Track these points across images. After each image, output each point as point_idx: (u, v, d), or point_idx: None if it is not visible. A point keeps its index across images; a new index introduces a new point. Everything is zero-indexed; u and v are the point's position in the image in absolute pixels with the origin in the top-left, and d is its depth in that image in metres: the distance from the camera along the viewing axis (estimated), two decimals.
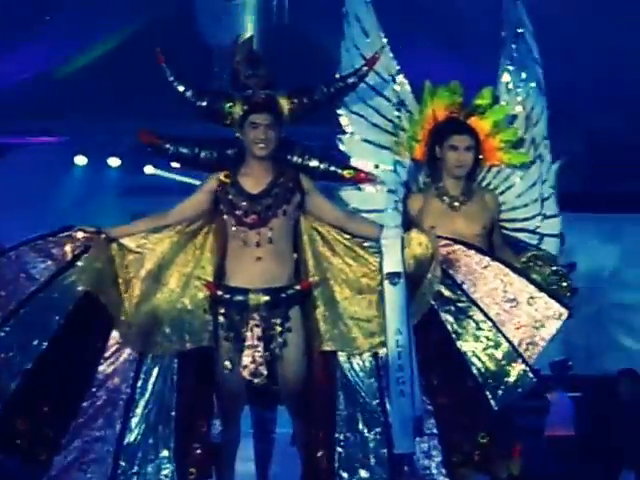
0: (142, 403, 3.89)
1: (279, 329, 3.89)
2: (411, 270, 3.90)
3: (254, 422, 5.95)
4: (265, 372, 3.84)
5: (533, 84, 4.59)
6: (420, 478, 3.89)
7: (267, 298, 3.87)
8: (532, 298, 3.89)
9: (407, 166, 4.46)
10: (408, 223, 4.30)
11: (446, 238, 3.98)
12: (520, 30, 4.63)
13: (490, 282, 3.91)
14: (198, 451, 3.84)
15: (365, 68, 4.17)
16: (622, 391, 7.95)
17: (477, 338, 3.88)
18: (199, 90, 4.04)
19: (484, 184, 4.52)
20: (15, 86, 8.96)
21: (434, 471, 3.88)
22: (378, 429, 3.89)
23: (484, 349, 3.87)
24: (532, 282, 3.94)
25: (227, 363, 3.88)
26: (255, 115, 3.90)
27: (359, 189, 4.34)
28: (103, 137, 10.02)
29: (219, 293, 3.91)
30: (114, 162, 10.21)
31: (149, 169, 9.99)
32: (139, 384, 3.90)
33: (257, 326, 3.86)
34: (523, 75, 4.60)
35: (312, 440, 3.92)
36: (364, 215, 4.29)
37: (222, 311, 3.91)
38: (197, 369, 3.91)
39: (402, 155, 4.45)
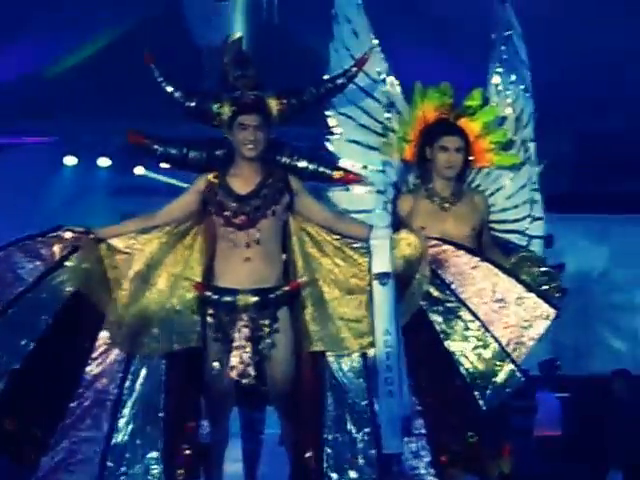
0: (130, 404, 3.89)
1: (267, 330, 3.89)
2: (400, 270, 3.91)
3: (242, 423, 5.95)
4: (253, 373, 3.84)
5: (522, 86, 4.61)
6: (409, 478, 3.90)
7: (256, 299, 3.87)
8: (520, 298, 3.90)
9: (396, 167, 4.47)
10: (397, 224, 4.31)
11: (435, 238, 4.00)
12: (508, 33, 4.65)
13: (479, 282, 3.92)
14: (186, 452, 3.84)
15: (354, 69, 4.18)
16: (616, 391, 8.00)
17: (466, 338, 3.90)
18: (188, 91, 4.05)
19: (474, 185, 4.53)
20: (4, 86, 8.94)
21: (423, 471, 3.89)
22: (367, 429, 3.89)
23: (472, 349, 3.89)
24: (521, 282, 3.96)
25: (215, 364, 3.89)
26: (244, 116, 3.90)
27: (347, 190, 4.35)
28: (93, 137, 9.99)
29: (208, 294, 3.91)
30: (104, 162, 10.19)
31: (139, 170, 9.97)
32: (127, 385, 3.90)
33: (245, 327, 3.87)
34: (513, 77, 4.62)
35: (301, 441, 3.93)
36: (353, 216, 4.30)
37: (211, 312, 3.92)
38: (185, 370, 3.91)
39: (391, 156, 4.46)
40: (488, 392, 3.86)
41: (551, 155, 4.74)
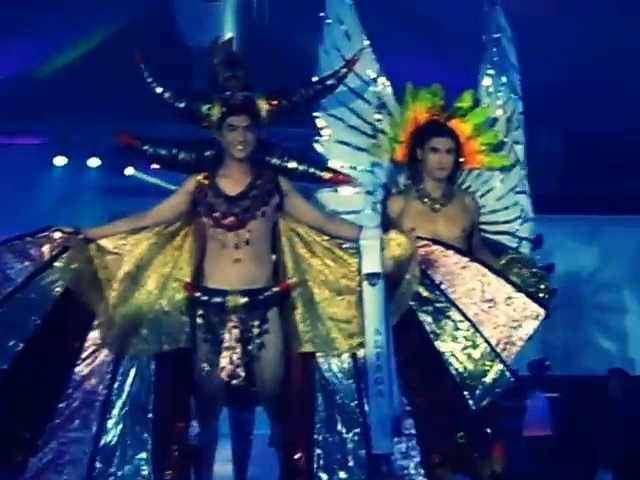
0: (119, 404, 3.89)
1: (257, 331, 3.89)
2: (390, 271, 3.92)
3: (232, 423, 5.94)
4: (243, 374, 3.85)
5: (511, 89, 4.61)
6: (399, 478, 3.90)
7: (245, 300, 3.87)
8: (510, 298, 3.91)
9: (385, 168, 4.47)
10: (387, 224, 4.31)
11: (424, 239, 4.00)
12: (497, 35, 4.65)
13: (468, 282, 3.93)
14: (176, 453, 3.84)
15: (344, 70, 4.18)
16: (611, 389, 8.03)
17: (455, 338, 3.90)
18: (177, 92, 4.04)
19: (464, 187, 4.54)
20: None
21: (412, 471, 3.90)
22: (357, 430, 3.90)
23: (462, 349, 3.89)
24: (510, 282, 3.97)
25: (205, 365, 3.89)
26: (233, 117, 3.90)
27: (336, 191, 4.35)
28: (83, 137, 9.98)
29: (197, 294, 3.91)
30: (94, 163, 10.17)
31: (129, 170, 9.96)
32: (116, 385, 3.90)
33: (235, 327, 3.86)
34: (504, 79, 4.62)
35: (291, 441, 3.93)
36: (343, 216, 4.30)
37: (200, 312, 3.91)
38: (175, 370, 3.91)
39: (380, 157, 4.47)
40: (478, 392, 3.87)
41: (540, 156, 4.76)
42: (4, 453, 3.84)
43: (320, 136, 4.41)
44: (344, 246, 4.02)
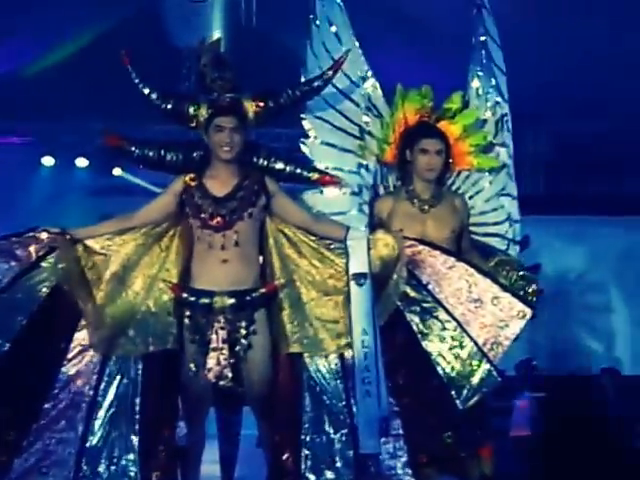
0: (105, 405, 3.89)
1: (244, 332, 3.90)
2: (377, 271, 3.93)
3: (219, 424, 5.94)
4: (230, 374, 3.85)
5: (497, 91, 4.62)
6: (386, 478, 3.91)
7: (232, 301, 3.88)
8: (496, 298, 3.93)
9: (372, 169, 4.47)
10: (375, 225, 4.32)
11: (411, 239, 4.01)
12: (483, 38, 4.66)
13: (455, 282, 3.94)
14: (163, 454, 3.84)
15: (331, 72, 4.18)
16: (604, 387, 8.07)
17: (442, 338, 3.92)
18: (164, 93, 4.04)
19: (454, 188, 4.54)
20: None
21: (400, 471, 3.91)
22: (344, 430, 3.91)
23: (449, 349, 3.91)
24: (496, 282, 3.98)
25: (192, 365, 3.89)
26: (220, 118, 3.91)
27: (322, 192, 4.35)
28: (71, 138, 9.96)
29: (184, 295, 3.91)
30: (82, 163, 10.15)
31: (117, 171, 9.95)
32: (102, 386, 3.90)
33: (222, 329, 3.87)
34: (493, 81, 4.63)
35: (278, 442, 3.93)
36: (330, 217, 4.30)
37: (187, 313, 3.92)
38: (162, 371, 3.91)
39: (367, 159, 4.47)
40: (465, 392, 3.88)
41: (527, 157, 4.77)
42: None
43: (307, 138, 4.41)
44: (331, 247, 4.03)
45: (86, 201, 9.91)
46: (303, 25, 4.58)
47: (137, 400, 3.88)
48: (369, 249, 3.94)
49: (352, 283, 3.91)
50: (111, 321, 3.92)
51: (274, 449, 3.95)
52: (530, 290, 4.32)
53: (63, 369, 3.90)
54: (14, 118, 9.48)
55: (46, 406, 3.86)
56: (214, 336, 3.86)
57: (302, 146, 4.40)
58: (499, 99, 4.61)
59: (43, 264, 3.89)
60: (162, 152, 4.06)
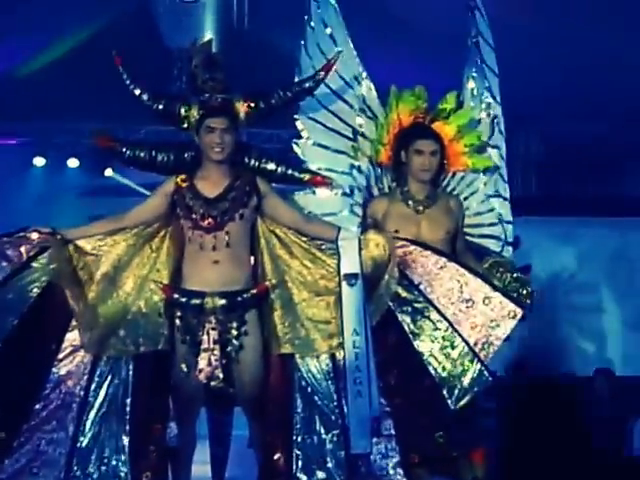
0: (96, 406, 3.89)
1: (235, 332, 3.90)
2: (368, 271, 3.93)
3: (210, 425, 5.95)
4: (221, 375, 3.85)
5: (490, 93, 4.63)
6: (377, 479, 3.91)
7: (223, 301, 3.88)
8: (487, 298, 3.93)
9: (365, 171, 4.48)
10: (369, 226, 4.31)
11: (402, 239, 4.02)
12: (475, 40, 4.67)
13: (446, 282, 3.94)
14: (153, 454, 3.84)
15: (322, 73, 4.18)
16: (598, 388, 8.10)
17: (434, 338, 3.92)
18: (156, 93, 4.04)
19: (449, 190, 4.53)
20: None
21: (391, 471, 3.92)
22: (335, 431, 3.91)
23: (441, 349, 3.91)
24: (487, 282, 3.98)
25: (183, 366, 3.89)
26: (211, 119, 3.91)
27: (314, 193, 4.35)
28: (62, 138, 9.95)
29: (175, 296, 3.91)
30: (73, 163, 10.14)
31: (109, 172, 9.95)
32: (93, 387, 3.90)
33: (213, 329, 3.87)
34: (487, 83, 4.63)
35: (270, 443, 3.94)
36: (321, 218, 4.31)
37: (179, 314, 3.91)
38: (153, 372, 3.91)
39: (360, 160, 4.47)
40: (456, 392, 3.89)
41: (518, 158, 4.78)
42: None
43: (299, 138, 4.41)
44: (323, 247, 4.03)
45: (77, 201, 9.89)
46: (295, 26, 4.59)
47: (128, 401, 3.88)
48: (360, 249, 3.94)
49: (343, 283, 3.91)
50: (102, 322, 3.92)
51: (265, 450, 3.96)
52: (524, 292, 4.32)
53: (54, 369, 3.90)
54: (5, 119, 9.46)
55: (37, 406, 3.86)
56: (205, 337, 3.87)
57: (294, 147, 4.40)
58: (491, 100, 4.62)
59: (34, 264, 3.89)
60: (153, 153, 4.06)
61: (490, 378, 3.92)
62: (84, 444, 3.85)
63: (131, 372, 3.90)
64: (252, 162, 4.11)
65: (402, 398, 3.94)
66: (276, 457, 3.90)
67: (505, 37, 4.75)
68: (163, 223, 4.04)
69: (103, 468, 3.84)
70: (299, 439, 3.91)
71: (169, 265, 3.98)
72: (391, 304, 3.94)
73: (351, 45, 4.49)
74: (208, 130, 3.91)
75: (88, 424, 3.87)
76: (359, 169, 4.46)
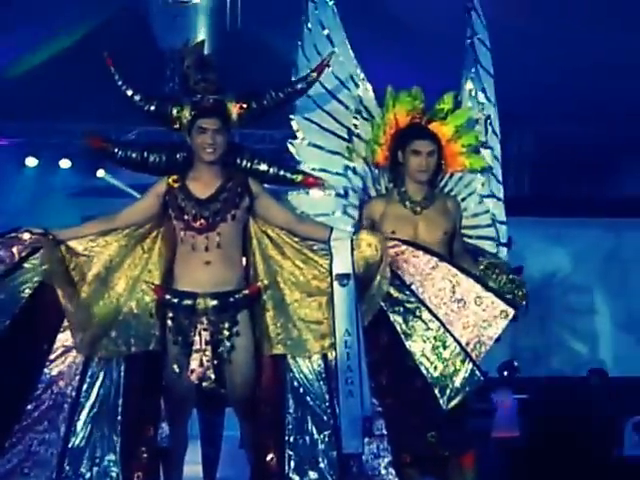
0: (88, 406, 3.89)
1: (227, 333, 3.90)
2: (360, 271, 3.93)
3: (201, 426, 5.95)
4: (213, 376, 3.85)
5: (485, 94, 4.64)
6: (369, 478, 3.91)
7: (215, 302, 3.88)
8: (479, 298, 3.93)
9: (360, 172, 4.47)
10: (365, 227, 4.30)
11: (394, 239, 4.02)
12: (470, 40, 4.67)
13: (438, 282, 3.95)
14: (144, 455, 3.84)
15: (314, 74, 4.18)
16: (592, 387, 8.13)
17: (426, 338, 3.93)
18: (147, 94, 4.03)
19: (446, 190, 4.52)
20: None
21: (383, 471, 3.92)
22: (328, 431, 3.92)
23: (432, 349, 3.92)
24: (479, 282, 3.99)
25: (175, 367, 3.89)
26: (203, 120, 3.90)
27: (307, 193, 4.36)
28: (55, 139, 9.95)
29: (167, 297, 3.91)
30: (65, 164, 10.14)
31: (101, 173, 9.95)
32: (85, 387, 3.89)
33: (205, 330, 3.87)
34: (482, 83, 4.63)
35: (262, 443, 3.94)
36: (314, 218, 4.31)
37: (170, 315, 3.91)
38: (144, 372, 3.91)
39: (355, 161, 4.46)
40: (448, 391, 3.89)
41: (511, 158, 4.79)
42: None
43: (292, 139, 4.41)
44: (315, 247, 4.03)
45: (69, 202, 9.90)
46: (288, 27, 4.59)
47: (119, 401, 3.88)
48: (352, 249, 3.95)
49: (335, 284, 3.91)
50: (94, 322, 3.91)
51: (258, 450, 3.95)
52: (520, 293, 4.32)
53: (46, 370, 3.89)
54: None
55: (28, 407, 3.86)
56: (197, 337, 3.86)
57: (290, 146, 4.40)
58: (484, 101, 4.63)
59: (26, 265, 3.88)
60: (145, 154, 4.05)
61: (482, 378, 3.92)
62: (76, 444, 3.85)
63: (122, 373, 3.90)
64: (244, 163, 4.10)
65: (394, 398, 3.95)
66: (269, 458, 3.90)
67: (499, 38, 4.77)
68: (155, 224, 4.03)
69: (95, 469, 3.83)
70: (291, 439, 3.91)
71: (161, 266, 3.98)
72: (383, 304, 3.94)
73: (348, 46, 4.49)
74: (200, 131, 3.91)
75: (80, 424, 3.87)
76: (354, 170, 4.46)
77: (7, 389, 3.84)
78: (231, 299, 3.90)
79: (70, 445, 3.84)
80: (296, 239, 4.05)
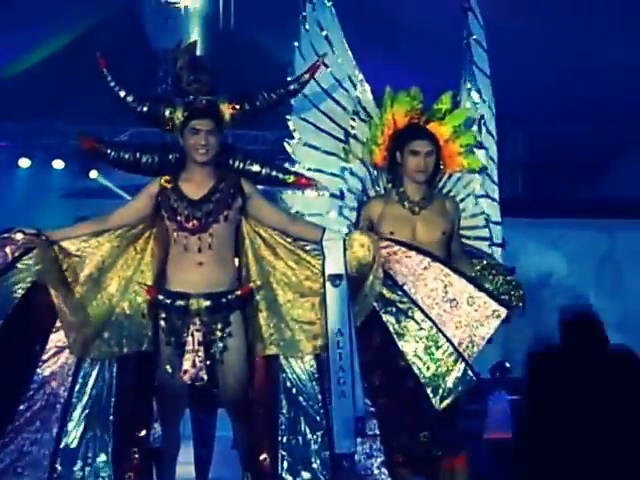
0: (80, 407, 3.89)
1: (220, 334, 3.90)
2: (353, 272, 3.94)
3: (194, 426, 5.95)
4: (206, 377, 3.86)
5: (480, 94, 4.65)
6: (362, 478, 3.92)
7: (208, 303, 3.88)
8: (471, 298, 3.94)
9: (357, 173, 4.47)
10: (364, 228, 4.29)
11: (387, 239, 4.03)
12: (466, 41, 4.68)
13: (430, 283, 3.95)
14: (136, 455, 3.84)
15: (307, 76, 4.18)
16: None
17: (418, 338, 3.94)
18: (140, 95, 4.03)
19: (445, 191, 4.53)
20: None
21: (376, 471, 3.92)
22: (320, 431, 3.92)
23: (425, 349, 3.93)
24: (471, 282, 3.99)
25: (168, 367, 3.89)
26: (196, 121, 3.91)
27: (303, 192, 4.36)
28: (48, 139, 9.94)
29: (160, 297, 3.91)
30: (58, 165, 10.14)
31: (93, 174, 9.94)
32: (77, 388, 3.90)
33: (198, 331, 3.87)
34: (477, 83, 4.64)
35: (255, 444, 3.94)
36: (306, 218, 4.31)
37: (163, 315, 3.91)
38: (137, 373, 3.92)
39: (351, 162, 4.46)
40: (441, 391, 3.90)
41: (505, 159, 4.79)
42: None
43: (285, 140, 4.41)
44: (307, 248, 4.03)
45: (62, 203, 9.89)
46: (281, 27, 4.59)
47: (111, 401, 3.89)
48: (345, 250, 3.95)
49: (328, 284, 3.92)
50: (87, 323, 3.91)
51: (251, 451, 3.96)
52: (516, 294, 4.32)
53: (38, 370, 3.89)
54: None
55: (21, 407, 3.86)
56: (190, 338, 3.87)
57: (286, 145, 4.40)
58: (479, 101, 4.63)
59: (19, 265, 3.88)
60: (138, 154, 4.05)
61: (474, 378, 3.93)
62: (68, 445, 3.85)
63: (115, 373, 3.91)
64: (237, 164, 4.10)
65: (386, 398, 3.95)
66: (262, 458, 3.90)
67: (492, 38, 4.78)
68: (147, 224, 4.03)
69: (87, 469, 3.84)
70: (284, 440, 3.91)
71: (153, 266, 3.98)
72: (375, 305, 3.95)
73: (347, 47, 4.49)
74: (193, 132, 3.91)
75: (72, 425, 3.87)
76: (351, 172, 4.45)
77: (0, 389, 3.83)
78: (224, 300, 3.91)
79: (62, 445, 3.85)
80: (289, 240, 4.05)
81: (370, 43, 5.78)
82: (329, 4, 4.49)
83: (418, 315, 3.94)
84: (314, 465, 3.90)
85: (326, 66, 4.37)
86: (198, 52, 4.16)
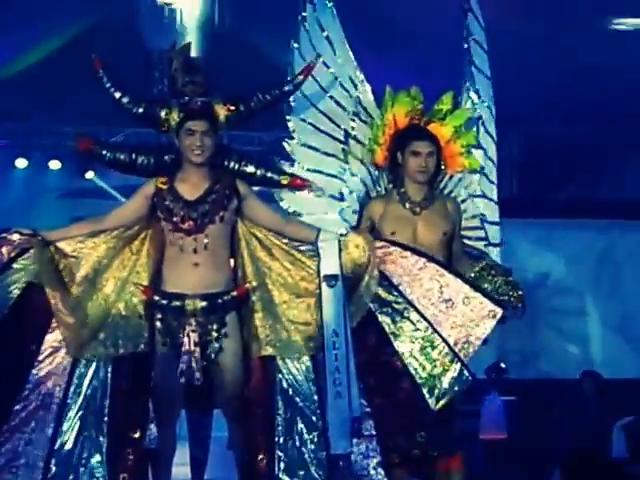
0: (75, 407, 3.89)
1: (216, 335, 3.90)
2: (348, 272, 3.95)
3: (189, 427, 5.94)
4: (201, 377, 3.86)
5: (479, 94, 4.65)
6: (358, 479, 3.92)
7: (204, 304, 3.88)
8: (467, 298, 3.94)
9: (358, 174, 4.47)
10: (365, 229, 4.29)
11: (383, 240, 4.03)
12: (466, 42, 4.69)
13: (426, 283, 3.96)
14: (130, 456, 3.85)
15: (301, 77, 4.20)
16: (585, 390, 8.16)
17: (414, 339, 3.94)
18: (136, 97, 4.05)
19: (446, 192, 4.52)
20: None
21: (372, 472, 3.93)
22: (317, 432, 3.92)
23: (421, 349, 3.93)
24: (467, 282, 4.00)
25: (163, 368, 3.89)
26: (191, 122, 3.91)
27: (294, 193, 4.36)
28: (44, 140, 9.94)
29: (156, 298, 3.91)
30: (55, 165, 10.13)
31: (90, 174, 9.94)
32: (72, 388, 3.90)
33: (194, 331, 3.87)
34: (476, 84, 4.64)
35: (252, 444, 3.94)
36: (304, 218, 4.31)
37: (159, 316, 3.92)
38: (132, 374, 3.92)
39: (350, 163, 4.46)
40: (437, 391, 3.91)
41: (500, 159, 4.80)
42: None
43: (288, 139, 4.41)
44: (302, 249, 4.04)
45: (59, 203, 9.89)
46: (276, 29, 4.59)
47: (106, 402, 3.89)
48: (340, 250, 3.96)
49: (323, 285, 3.93)
50: (82, 323, 3.92)
51: (248, 451, 3.96)
52: (515, 295, 4.33)
53: (33, 371, 3.89)
54: None
55: (16, 407, 3.86)
56: (186, 339, 3.87)
57: (285, 145, 4.40)
58: (477, 101, 4.64)
59: (15, 265, 3.89)
60: (133, 155, 4.07)
61: (470, 378, 3.94)
62: (63, 445, 3.86)
63: (110, 374, 3.91)
64: (232, 165, 4.12)
65: (382, 398, 3.96)
66: (259, 458, 3.91)
67: (489, 39, 4.79)
68: (143, 225, 4.04)
69: (81, 469, 3.84)
70: (281, 440, 3.92)
71: (149, 267, 3.99)
72: (371, 305, 3.95)
73: (347, 47, 4.49)
74: (188, 133, 3.91)
75: (67, 425, 3.87)
76: (351, 173, 4.45)
77: None
78: (219, 301, 3.91)
79: (57, 446, 3.85)
80: (284, 240, 4.06)
81: (370, 43, 5.77)
82: (330, 5, 4.49)
83: (414, 315, 3.95)
84: (310, 466, 3.90)
85: (327, 66, 4.37)
86: (193, 53, 4.17)
